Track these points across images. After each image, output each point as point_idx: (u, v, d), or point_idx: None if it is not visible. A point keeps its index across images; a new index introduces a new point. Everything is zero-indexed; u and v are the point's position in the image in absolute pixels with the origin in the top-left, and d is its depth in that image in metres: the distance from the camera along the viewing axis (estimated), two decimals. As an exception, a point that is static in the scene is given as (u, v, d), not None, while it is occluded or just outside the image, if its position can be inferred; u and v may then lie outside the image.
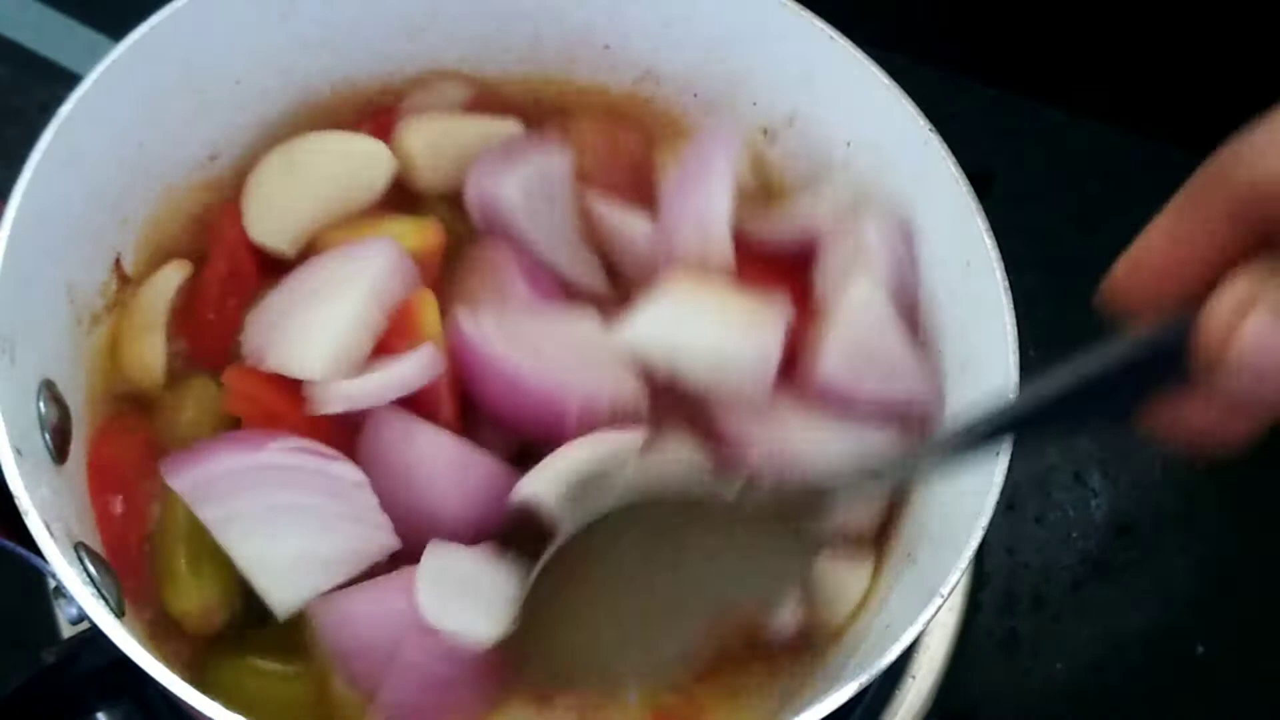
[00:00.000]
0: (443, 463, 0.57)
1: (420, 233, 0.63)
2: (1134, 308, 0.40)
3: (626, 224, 0.65)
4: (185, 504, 0.58)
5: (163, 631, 0.57)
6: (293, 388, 0.58)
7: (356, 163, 0.65)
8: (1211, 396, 0.37)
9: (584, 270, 0.65)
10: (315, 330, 0.57)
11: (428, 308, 0.59)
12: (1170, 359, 0.37)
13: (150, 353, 0.62)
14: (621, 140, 0.69)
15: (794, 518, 0.50)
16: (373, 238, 0.61)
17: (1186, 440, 0.39)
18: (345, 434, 0.58)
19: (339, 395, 0.56)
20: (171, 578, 0.57)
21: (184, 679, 0.46)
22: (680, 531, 0.52)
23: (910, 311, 0.62)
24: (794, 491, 0.51)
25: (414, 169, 0.66)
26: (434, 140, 0.67)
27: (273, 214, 0.64)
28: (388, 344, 0.58)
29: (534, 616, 0.53)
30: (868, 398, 0.58)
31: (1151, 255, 0.39)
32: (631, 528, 0.52)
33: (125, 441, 0.60)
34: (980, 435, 0.46)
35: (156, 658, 0.46)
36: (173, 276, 0.63)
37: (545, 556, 0.53)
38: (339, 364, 0.56)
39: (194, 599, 0.56)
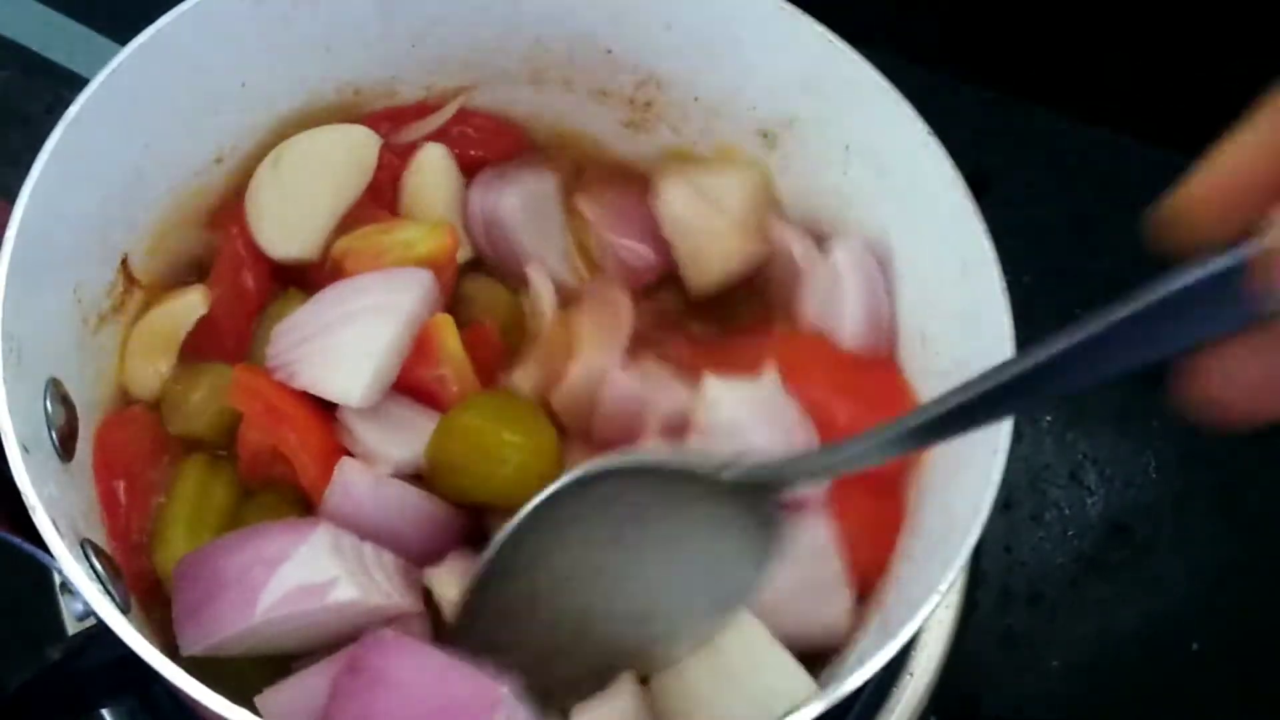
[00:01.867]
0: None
1: (434, 238, 0.63)
2: (1190, 235, 0.35)
3: (608, 228, 0.69)
4: (194, 479, 0.60)
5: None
6: (297, 392, 0.58)
7: (343, 151, 0.66)
8: (1264, 341, 0.33)
9: (571, 272, 0.70)
10: (354, 357, 0.58)
11: (448, 333, 0.60)
12: (1221, 293, 0.33)
13: (153, 376, 0.63)
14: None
15: (768, 491, 0.50)
16: (409, 267, 0.61)
17: (1228, 402, 0.35)
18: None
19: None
20: (168, 539, 0.58)
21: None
22: (650, 511, 0.52)
23: (884, 328, 0.64)
24: (769, 468, 0.51)
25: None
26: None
27: (276, 221, 0.65)
28: (411, 368, 0.59)
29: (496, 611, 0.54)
30: None
31: (1214, 180, 0.35)
32: (597, 510, 0.53)
33: (131, 429, 0.61)
34: (982, 402, 0.41)
35: (162, 651, 0.47)
36: (193, 306, 0.64)
37: (508, 529, 0.53)
38: (374, 392, 0.58)
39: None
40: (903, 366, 0.64)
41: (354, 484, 0.56)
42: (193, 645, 0.52)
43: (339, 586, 0.52)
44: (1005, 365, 0.41)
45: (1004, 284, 0.57)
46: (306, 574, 0.52)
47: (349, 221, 0.66)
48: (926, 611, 0.50)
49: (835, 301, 0.63)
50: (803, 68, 0.64)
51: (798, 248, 0.66)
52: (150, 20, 0.59)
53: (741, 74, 0.67)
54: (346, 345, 0.58)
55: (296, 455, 0.57)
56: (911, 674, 0.73)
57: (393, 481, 0.57)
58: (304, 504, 0.58)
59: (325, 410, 0.59)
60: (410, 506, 0.58)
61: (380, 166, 0.68)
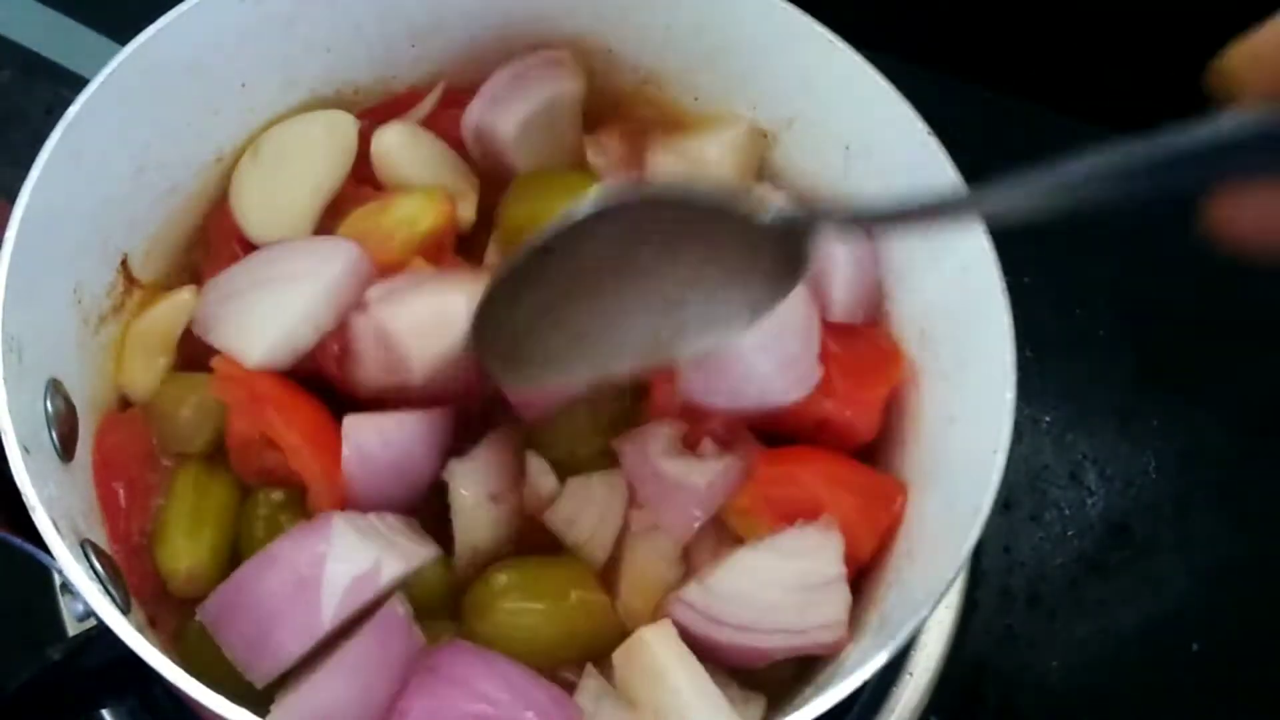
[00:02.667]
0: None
1: (433, 209, 0.63)
2: (1240, 92, 0.38)
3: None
4: (192, 480, 0.60)
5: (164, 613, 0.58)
6: (278, 374, 0.59)
7: (321, 135, 0.66)
8: None
9: None
10: (262, 319, 0.59)
11: None
12: (1265, 144, 0.35)
13: (150, 379, 0.63)
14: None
15: (800, 233, 0.48)
16: (339, 237, 0.62)
17: (1251, 235, 0.37)
18: (336, 423, 0.59)
19: None
20: (169, 537, 0.58)
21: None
22: (673, 234, 0.51)
23: (873, 301, 0.64)
24: (804, 214, 0.48)
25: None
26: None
27: (261, 210, 0.65)
28: None
29: (521, 315, 0.53)
30: (722, 409, 0.60)
31: (1269, 37, 0.37)
32: (620, 229, 0.51)
33: (130, 432, 0.61)
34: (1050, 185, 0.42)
35: (161, 651, 0.47)
36: (185, 307, 0.63)
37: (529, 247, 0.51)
38: (277, 356, 0.58)
39: (186, 557, 0.57)
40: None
41: (365, 441, 0.57)
42: (268, 675, 0.51)
43: (385, 565, 0.53)
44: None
45: (1004, 284, 0.57)
46: (352, 566, 0.52)
47: (341, 207, 0.66)
48: (926, 612, 0.50)
49: (823, 273, 0.63)
50: (803, 68, 0.64)
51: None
52: (150, 20, 0.59)
53: (742, 74, 0.67)
54: (259, 307, 0.59)
55: (284, 438, 0.57)
56: (911, 674, 0.73)
57: (393, 419, 0.58)
58: (302, 491, 0.58)
59: (310, 391, 0.60)
60: (415, 435, 0.58)
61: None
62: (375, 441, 0.57)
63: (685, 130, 0.70)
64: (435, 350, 0.58)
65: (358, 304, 0.60)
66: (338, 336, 0.60)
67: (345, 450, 0.57)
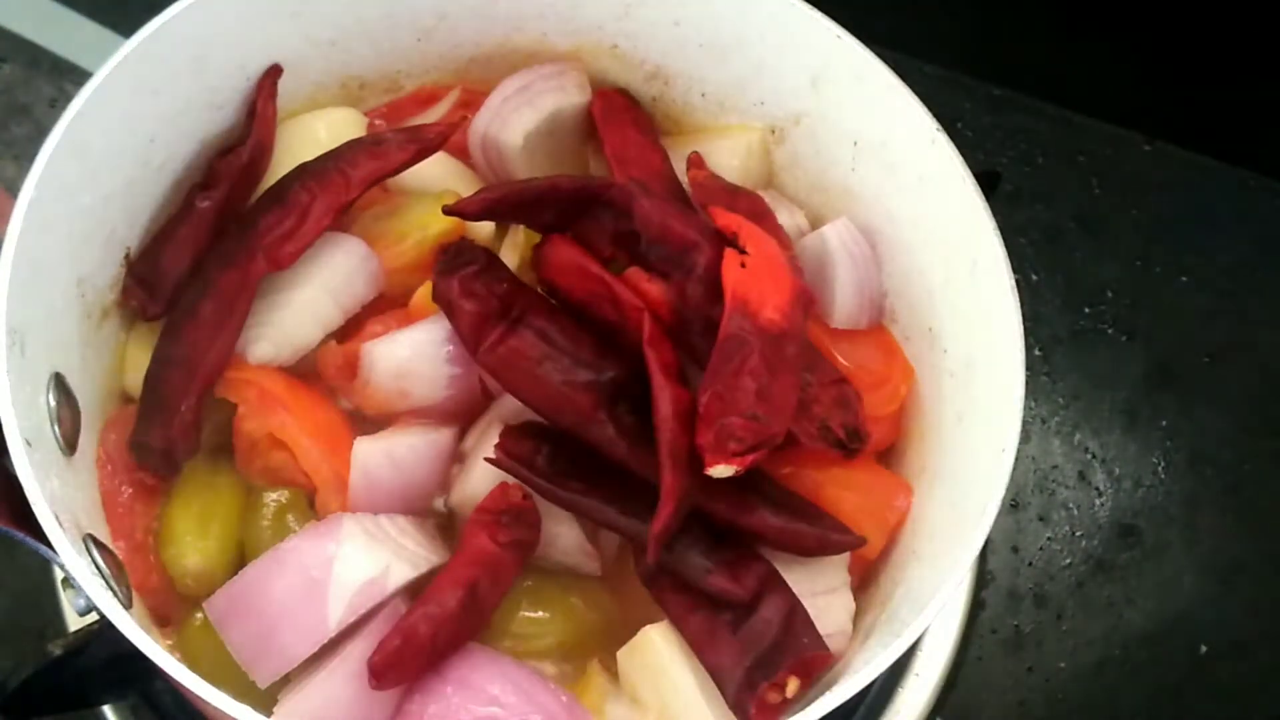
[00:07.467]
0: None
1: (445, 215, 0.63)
2: None
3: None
4: (198, 477, 0.59)
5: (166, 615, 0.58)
6: (288, 374, 0.59)
7: (329, 134, 0.66)
8: None
9: None
10: (263, 315, 0.59)
11: (429, 307, 0.60)
12: None
13: None
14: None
15: None
16: (344, 234, 0.62)
17: None
18: (345, 423, 0.59)
19: None
20: (176, 534, 0.58)
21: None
22: None
23: (875, 306, 0.64)
24: None
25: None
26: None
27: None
28: None
29: None
30: None
31: None
32: None
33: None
34: None
35: (163, 647, 0.47)
36: None
37: None
38: (280, 353, 0.58)
39: (194, 555, 0.57)
40: (911, 361, 0.64)
41: (375, 466, 0.56)
42: (272, 675, 0.51)
43: (394, 570, 0.53)
44: None
45: (1013, 282, 0.56)
46: (360, 571, 0.52)
47: (353, 211, 0.65)
48: (933, 611, 0.50)
49: (824, 280, 0.63)
50: (812, 64, 0.64)
51: (786, 219, 0.66)
52: (155, 13, 0.59)
53: (750, 70, 0.67)
54: (261, 303, 0.59)
55: (296, 440, 0.57)
56: (917, 674, 0.73)
57: (404, 443, 0.57)
58: (309, 490, 0.58)
59: (318, 390, 0.60)
60: (425, 457, 0.58)
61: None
62: (385, 466, 0.57)
63: (693, 136, 0.70)
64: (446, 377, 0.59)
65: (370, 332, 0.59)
66: (343, 352, 0.59)
67: (353, 475, 0.56)
